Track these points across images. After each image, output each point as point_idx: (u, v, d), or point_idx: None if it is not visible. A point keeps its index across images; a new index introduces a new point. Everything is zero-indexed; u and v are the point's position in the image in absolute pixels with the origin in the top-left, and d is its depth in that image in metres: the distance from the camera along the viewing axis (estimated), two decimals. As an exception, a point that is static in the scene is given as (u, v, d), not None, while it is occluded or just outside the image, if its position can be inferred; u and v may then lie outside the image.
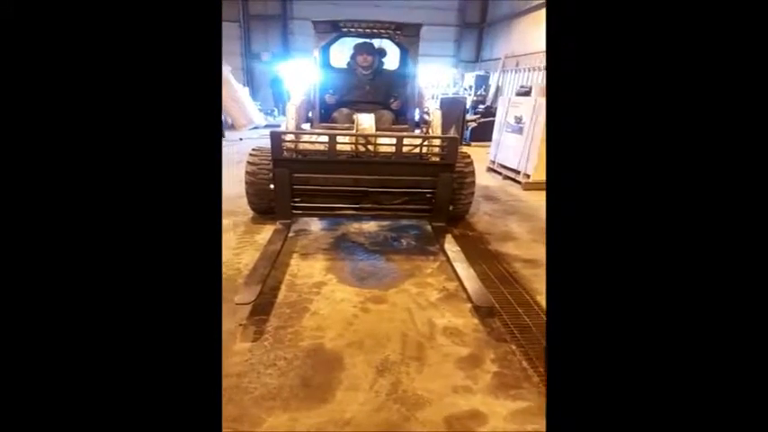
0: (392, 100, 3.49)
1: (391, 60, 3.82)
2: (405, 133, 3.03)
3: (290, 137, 2.81)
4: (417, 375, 1.60)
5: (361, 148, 2.73)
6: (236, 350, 1.68)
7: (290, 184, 2.60)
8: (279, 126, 7.75)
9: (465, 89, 10.27)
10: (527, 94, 6.23)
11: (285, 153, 2.66)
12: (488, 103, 9.22)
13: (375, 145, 2.73)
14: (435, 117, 3.12)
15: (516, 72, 9.51)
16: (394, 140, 2.59)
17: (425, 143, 2.77)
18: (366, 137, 2.73)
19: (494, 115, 7.48)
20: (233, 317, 1.89)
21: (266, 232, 2.98)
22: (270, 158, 2.69)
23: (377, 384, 1.54)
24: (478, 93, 9.83)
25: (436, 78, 11.10)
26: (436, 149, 2.81)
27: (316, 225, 3.19)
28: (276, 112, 10.39)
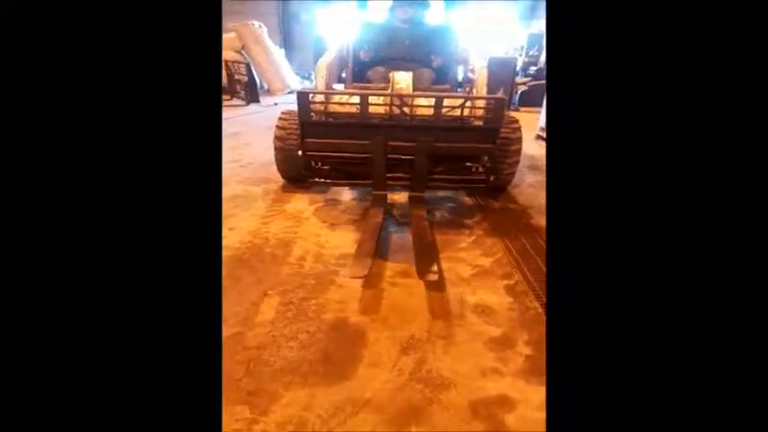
0: (434, 57, 3.25)
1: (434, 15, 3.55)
2: (445, 93, 2.79)
3: (318, 97, 2.68)
4: (444, 355, 1.50)
5: (396, 111, 2.56)
6: (258, 321, 1.66)
7: (320, 149, 2.50)
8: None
9: (516, 49, 9.57)
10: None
11: (313, 116, 2.55)
12: (541, 65, 8.57)
13: (412, 107, 2.54)
14: (481, 76, 2.83)
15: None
16: (433, 101, 2.39)
17: (467, 104, 2.54)
18: (402, 97, 2.54)
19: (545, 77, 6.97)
20: (259, 286, 1.87)
21: (296, 201, 2.94)
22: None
23: (400, 362, 1.46)
24: (530, 53, 9.13)
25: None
26: (479, 112, 2.59)
27: (346, 195, 3.10)
28: (313, 76, 10.25)
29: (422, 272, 1.79)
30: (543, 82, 6.77)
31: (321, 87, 2.93)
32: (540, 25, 10.15)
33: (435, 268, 1.81)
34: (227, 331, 1.58)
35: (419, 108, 2.52)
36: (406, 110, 2.50)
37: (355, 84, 3.28)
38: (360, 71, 3.35)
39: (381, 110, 2.55)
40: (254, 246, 2.27)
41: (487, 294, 1.87)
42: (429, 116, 2.47)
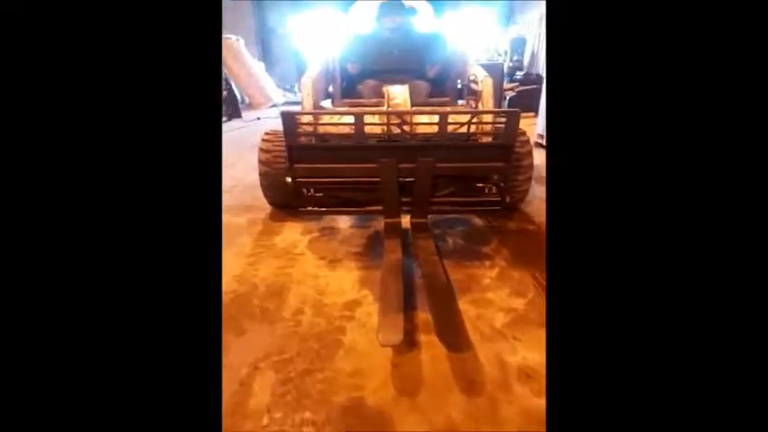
0: (429, 67, 2.93)
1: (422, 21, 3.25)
2: (449, 108, 2.49)
3: (306, 118, 2.34)
4: (494, 449, 1.16)
5: (396, 130, 2.24)
6: (250, 410, 1.28)
7: (312, 175, 2.16)
8: (299, 104, 7.32)
9: (499, 54, 9.39)
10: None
11: (302, 139, 2.20)
12: (526, 70, 8.41)
13: (411, 124, 2.22)
14: (486, 86, 2.54)
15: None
16: (435, 118, 2.08)
17: (476, 119, 2.24)
18: (400, 114, 2.22)
19: (534, 83, 6.77)
20: (248, 355, 1.49)
21: (287, 232, 2.57)
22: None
23: (439, 463, 1.11)
24: (514, 58, 8.97)
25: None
26: (488, 127, 2.29)
27: (344, 222, 2.74)
28: (297, 88, 9.86)
29: (443, 330, 1.46)
30: (532, 87, 6.57)
31: (308, 106, 2.57)
32: (518, 30, 10.03)
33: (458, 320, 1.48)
34: None
35: (419, 126, 2.21)
36: (406, 128, 2.18)
37: (345, 100, 2.95)
38: (348, 86, 3.02)
39: (378, 129, 2.23)
40: (239, 296, 1.88)
41: (530, 351, 1.53)
42: (432, 134, 2.17)
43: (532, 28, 9.37)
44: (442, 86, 3.05)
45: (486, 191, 2.30)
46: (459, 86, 3.16)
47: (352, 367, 1.45)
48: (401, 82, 2.62)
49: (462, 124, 2.18)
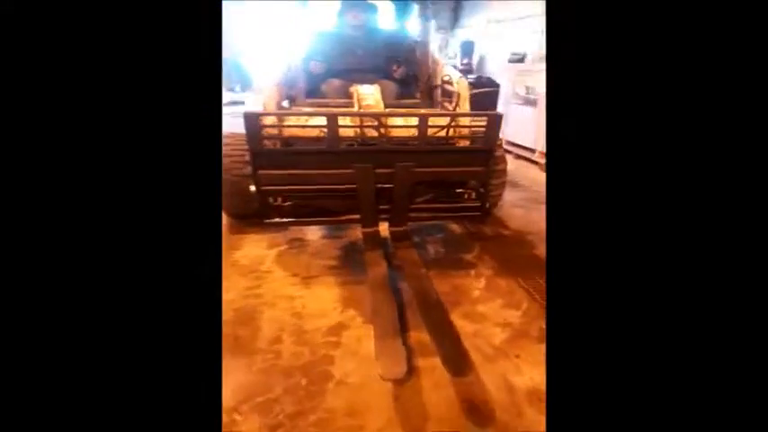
0: (394, 67, 2.79)
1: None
2: (431, 110, 2.36)
3: (270, 119, 2.12)
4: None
5: (372, 132, 2.08)
6: (235, 471, 1.07)
7: (279, 182, 1.96)
8: (244, 103, 6.89)
9: (450, 57, 9.50)
10: (521, 60, 5.70)
11: (267, 143, 1.99)
12: (476, 73, 8.56)
13: (387, 127, 2.08)
14: (462, 88, 2.44)
15: (501, 39, 8.82)
16: (412, 120, 1.96)
17: (453, 122, 2.14)
18: (377, 116, 2.07)
19: (485, 85, 6.88)
20: (226, 399, 1.26)
21: (249, 246, 2.33)
22: (245, 147, 2.04)
23: None
24: (464, 61, 9.11)
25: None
26: (465, 131, 2.21)
27: (313, 232, 2.54)
28: (238, 88, 9.30)
29: (447, 357, 1.34)
30: (485, 90, 6.66)
31: (271, 108, 2.35)
32: (466, 33, 10.24)
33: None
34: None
35: (394, 129, 2.07)
36: (382, 130, 2.03)
37: (308, 100, 2.73)
38: (311, 87, 2.81)
39: (350, 132, 2.07)
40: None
41: (534, 369, 1.44)
42: (408, 137, 2.05)
43: (479, 30, 9.58)
44: (409, 88, 2.94)
45: (466, 196, 2.21)
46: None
47: (347, 404, 1.28)
48: (369, 82, 2.48)
49: (442, 127, 2.07)
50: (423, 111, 2.27)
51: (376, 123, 1.98)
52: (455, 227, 2.64)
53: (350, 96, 2.50)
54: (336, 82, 2.70)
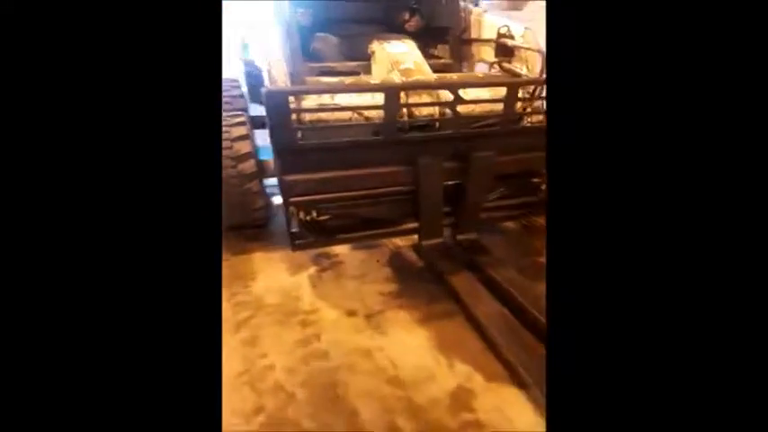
0: (406, 16, 2.20)
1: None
2: (518, 79, 1.81)
3: (309, 101, 1.50)
4: None
5: (426, 111, 1.59)
6: None
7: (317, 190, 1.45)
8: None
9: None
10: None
11: (300, 134, 1.41)
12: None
13: (462, 102, 1.46)
14: (528, 42, 1.82)
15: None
16: (483, 92, 1.57)
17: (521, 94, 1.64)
18: (453, 87, 1.46)
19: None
20: None
21: (267, 273, 1.77)
22: (234, 137, 1.75)
23: None
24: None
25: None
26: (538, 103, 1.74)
27: (339, 245, 1.99)
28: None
29: None
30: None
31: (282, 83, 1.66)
32: None
33: None
34: None
35: (420, 108, 1.55)
36: (458, 109, 1.52)
37: (311, 65, 2.03)
38: (303, 46, 2.12)
39: (406, 112, 1.56)
40: (271, 420, 1.09)
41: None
42: (481, 115, 1.61)
43: None
44: (431, 43, 2.29)
45: (544, 186, 1.82)
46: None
47: None
48: (369, 35, 1.92)
49: (526, 100, 1.64)
50: (507, 78, 1.80)
51: (451, 98, 1.47)
52: (507, 223, 2.23)
53: (359, 58, 1.91)
54: (332, 39, 2.09)
